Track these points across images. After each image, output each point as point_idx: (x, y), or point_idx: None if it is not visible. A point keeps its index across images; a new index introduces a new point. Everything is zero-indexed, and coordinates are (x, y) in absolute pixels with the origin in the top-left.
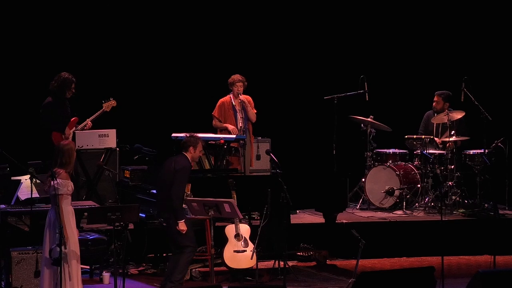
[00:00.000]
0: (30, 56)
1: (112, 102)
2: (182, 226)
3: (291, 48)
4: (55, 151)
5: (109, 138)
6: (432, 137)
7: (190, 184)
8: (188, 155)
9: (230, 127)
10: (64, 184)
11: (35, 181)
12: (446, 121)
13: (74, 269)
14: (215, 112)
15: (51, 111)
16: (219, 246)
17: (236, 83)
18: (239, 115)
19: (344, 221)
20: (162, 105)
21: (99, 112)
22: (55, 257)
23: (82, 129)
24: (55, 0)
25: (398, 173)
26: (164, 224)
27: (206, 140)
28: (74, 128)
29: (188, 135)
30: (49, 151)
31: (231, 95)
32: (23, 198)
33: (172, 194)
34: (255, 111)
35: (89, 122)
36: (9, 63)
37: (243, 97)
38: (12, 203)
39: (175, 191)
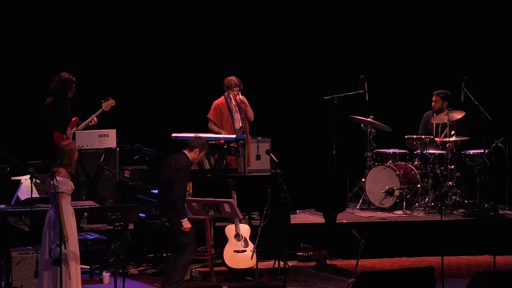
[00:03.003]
0: (29, 56)
1: (111, 102)
2: (186, 224)
3: (291, 48)
4: (57, 151)
5: (109, 138)
6: (432, 137)
7: (191, 183)
8: (190, 155)
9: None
10: (65, 182)
11: (35, 181)
12: (446, 121)
13: (73, 270)
14: (210, 115)
15: (52, 111)
16: (219, 246)
17: (233, 88)
18: (235, 116)
19: (344, 221)
20: (162, 105)
21: (98, 112)
22: (55, 257)
23: (87, 125)
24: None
25: (398, 173)
26: (168, 224)
27: (206, 140)
28: (75, 128)
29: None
30: (49, 151)
31: (225, 96)
32: (23, 198)
33: (173, 193)
34: (251, 110)
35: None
36: (9, 63)
37: (240, 97)
38: (12, 203)
39: (176, 190)
